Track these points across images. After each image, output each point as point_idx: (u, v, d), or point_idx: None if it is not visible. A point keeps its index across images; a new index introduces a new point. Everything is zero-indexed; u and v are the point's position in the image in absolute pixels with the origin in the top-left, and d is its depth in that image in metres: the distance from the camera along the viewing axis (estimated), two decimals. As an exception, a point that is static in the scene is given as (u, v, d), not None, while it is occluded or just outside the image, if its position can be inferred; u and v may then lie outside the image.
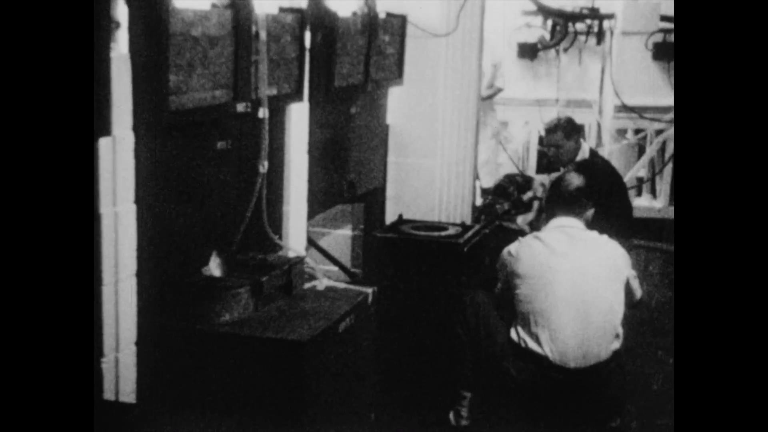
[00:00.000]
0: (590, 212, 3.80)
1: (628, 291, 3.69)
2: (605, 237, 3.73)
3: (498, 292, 3.81)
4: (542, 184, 4.92)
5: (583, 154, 5.55)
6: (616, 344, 3.60)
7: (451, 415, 3.84)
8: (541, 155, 7.61)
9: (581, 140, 5.65)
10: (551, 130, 5.55)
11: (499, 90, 7.19)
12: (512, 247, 3.71)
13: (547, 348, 3.50)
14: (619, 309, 3.62)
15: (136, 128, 2.54)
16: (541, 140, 7.44)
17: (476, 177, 5.60)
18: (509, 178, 5.90)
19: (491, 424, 3.78)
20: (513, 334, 3.62)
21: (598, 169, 5.51)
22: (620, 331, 3.63)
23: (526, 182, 5.65)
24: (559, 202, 3.78)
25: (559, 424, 3.59)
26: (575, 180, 3.81)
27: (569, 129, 5.52)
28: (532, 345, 3.53)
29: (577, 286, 3.53)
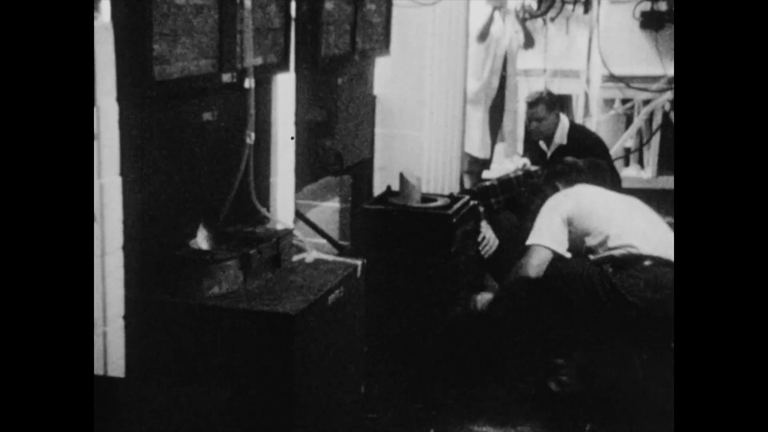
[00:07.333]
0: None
1: None
2: None
3: (550, 237, 3.93)
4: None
5: (563, 126, 5.54)
6: None
7: (553, 385, 3.87)
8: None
9: (561, 114, 5.63)
10: (533, 103, 5.53)
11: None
12: (567, 192, 4.10)
13: (642, 248, 3.73)
14: None
15: (120, 99, 2.49)
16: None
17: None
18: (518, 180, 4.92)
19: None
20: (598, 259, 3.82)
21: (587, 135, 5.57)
22: None
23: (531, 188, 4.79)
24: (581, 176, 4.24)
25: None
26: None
27: (550, 102, 5.50)
28: (628, 252, 3.74)
29: (632, 204, 4.06)
